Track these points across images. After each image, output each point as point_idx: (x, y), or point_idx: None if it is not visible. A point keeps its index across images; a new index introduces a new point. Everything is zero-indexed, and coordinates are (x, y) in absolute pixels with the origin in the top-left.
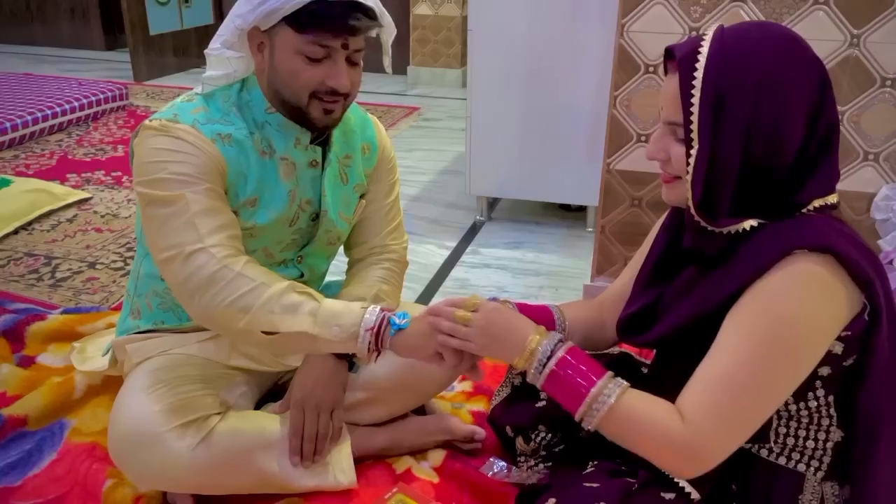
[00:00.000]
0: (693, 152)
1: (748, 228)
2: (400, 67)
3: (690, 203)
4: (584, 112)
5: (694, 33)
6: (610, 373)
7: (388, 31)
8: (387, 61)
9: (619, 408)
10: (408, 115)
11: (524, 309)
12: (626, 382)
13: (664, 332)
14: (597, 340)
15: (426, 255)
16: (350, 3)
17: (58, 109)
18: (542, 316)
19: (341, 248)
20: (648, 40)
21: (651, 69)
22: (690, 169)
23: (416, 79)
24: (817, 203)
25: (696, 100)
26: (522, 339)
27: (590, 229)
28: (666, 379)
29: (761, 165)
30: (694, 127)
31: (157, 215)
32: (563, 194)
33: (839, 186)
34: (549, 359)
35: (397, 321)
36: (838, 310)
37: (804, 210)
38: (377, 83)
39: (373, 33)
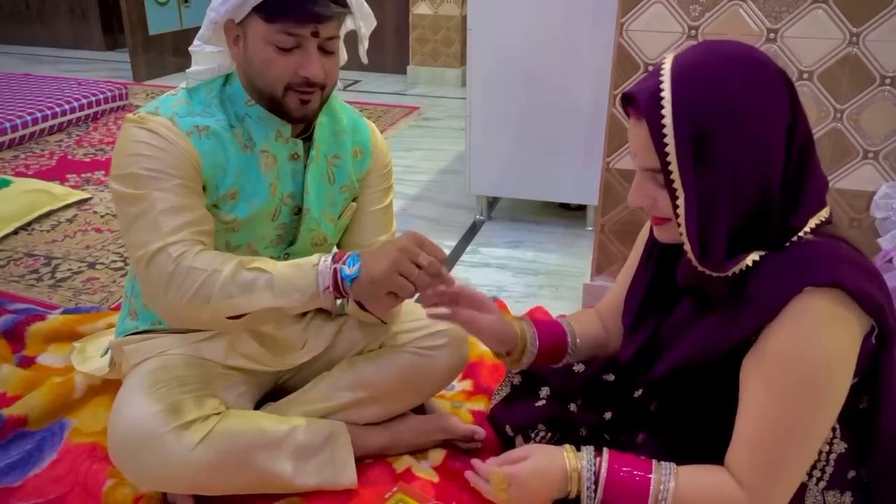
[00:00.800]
0: (680, 203)
1: (750, 264)
2: (399, 67)
3: (691, 256)
4: (583, 111)
5: (659, 62)
6: (655, 461)
7: (366, 21)
8: (361, 51)
9: (680, 494)
10: (407, 115)
11: (539, 325)
12: (673, 465)
13: (668, 371)
14: (602, 351)
15: None
16: None
17: (57, 110)
18: (554, 331)
19: None
20: (648, 39)
21: (650, 68)
22: (682, 221)
23: (416, 78)
24: (813, 223)
25: (670, 148)
26: (562, 475)
27: (589, 228)
28: (666, 398)
29: (752, 199)
30: (675, 177)
31: (127, 213)
32: (562, 193)
33: (839, 185)
34: (596, 477)
35: (348, 271)
36: (854, 338)
37: (802, 232)
38: (377, 83)
39: (349, 24)
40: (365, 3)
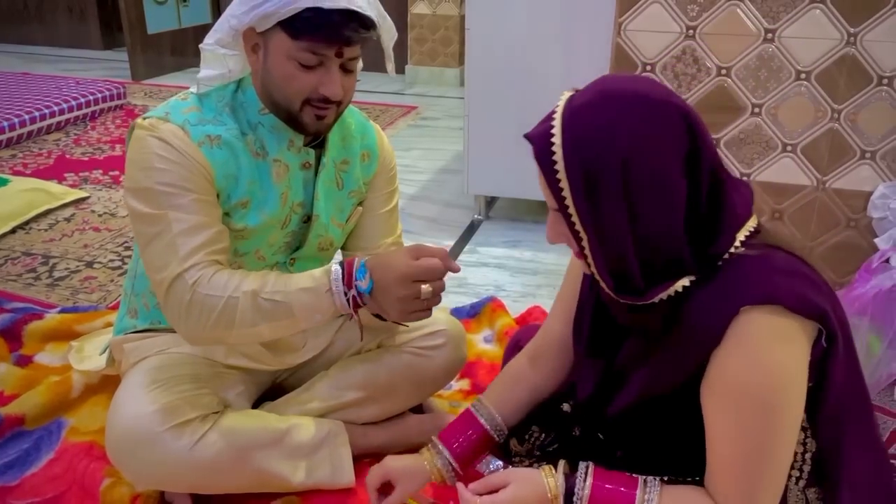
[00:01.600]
0: (584, 243)
1: (680, 290)
2: (398, 66)
3: (608, 290)
4: None
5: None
6: (640, 479)
7: (389, 34)
8: (390, 67)
9: None
10: (406, 114)
11: (451, 441)
12: (657, 482)
13: (622, 409)
14: (540, 398)
15: None
16: (346, 12)
17: (55, 109)
18: (468, 434)
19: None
20: (645, 39)
21: (648, 67)
22: (590, 261)
23: (414, 78)
24: (742, 236)
25: (566, 192)
26: (542, 501)
27: None
28: (631, 427)
29: (658, 231)
30: (574, 219)
31: (144, 233)
32: None
33: (837, 185)
34: (579, 497)
35: (362, 285)
36: (801, 348)
37: (733, 248)
38: (375, 82)
39: (372, 37)
40: (387, 16)
